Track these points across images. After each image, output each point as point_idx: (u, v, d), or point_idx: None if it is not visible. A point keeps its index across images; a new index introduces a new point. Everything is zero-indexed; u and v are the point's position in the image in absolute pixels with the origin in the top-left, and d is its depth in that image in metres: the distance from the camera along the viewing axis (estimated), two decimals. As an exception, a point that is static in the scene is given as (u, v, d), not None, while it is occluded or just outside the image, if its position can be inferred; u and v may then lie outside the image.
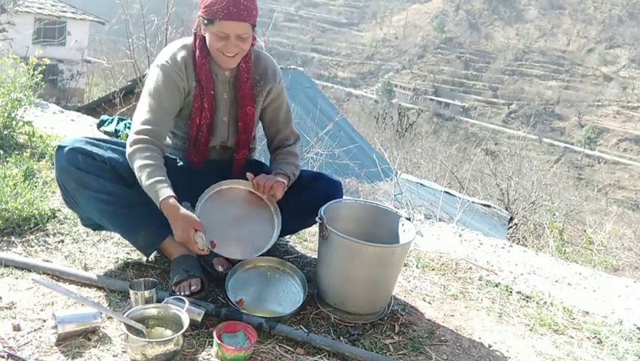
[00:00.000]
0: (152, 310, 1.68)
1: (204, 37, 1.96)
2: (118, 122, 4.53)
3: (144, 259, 2.11)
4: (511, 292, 2.47)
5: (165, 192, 1.81)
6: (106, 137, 4.12)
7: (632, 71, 73.54)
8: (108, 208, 1.90)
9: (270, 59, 2.15)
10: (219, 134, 2.09)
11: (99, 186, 1.87)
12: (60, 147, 1.90)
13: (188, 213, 1.83)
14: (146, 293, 1.73)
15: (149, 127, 1.90)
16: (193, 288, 1.87)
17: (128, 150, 1.90)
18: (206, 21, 1.88)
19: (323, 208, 1.98)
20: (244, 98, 2.05)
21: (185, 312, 1.65)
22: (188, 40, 2.02)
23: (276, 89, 2.14)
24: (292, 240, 2.56)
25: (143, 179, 1.83)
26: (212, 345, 1.66)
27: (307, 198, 2.09)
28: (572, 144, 62.76)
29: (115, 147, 1.97)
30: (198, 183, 2.03)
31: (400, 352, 1.83)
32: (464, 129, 59.35)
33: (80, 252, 2.12)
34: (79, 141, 1.92)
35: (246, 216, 2.07)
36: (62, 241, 2.18)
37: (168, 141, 2.13)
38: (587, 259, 6.18)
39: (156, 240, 1.98)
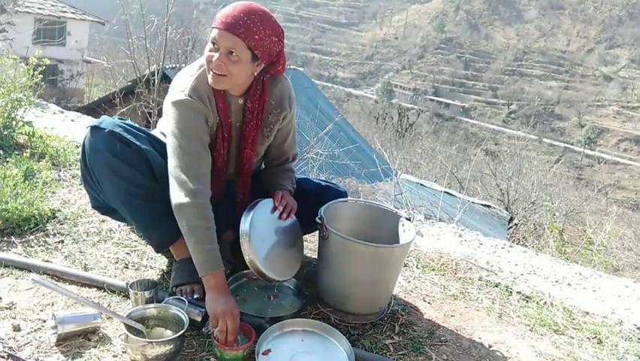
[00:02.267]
0: (152, 310, 1.68)
1: None
2: (118, 123, 4.52)
3: (144, 259, 2.11)
4: (511, 292, 2.47)
5: (219, 266, 1.72)
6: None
7: (632, 71, 73.56)
8: (134, 200, 1.86)
9: (287, 81, 2.03)
10: (233, 161, 2.03)
11: (131, 176, 1.83)
12: (97, 128, 1.84)
13: (234, 303, 1.71)
14: (146, 293, 1.73)
15: (197, 172, 1.77)
16: (195, 296, 1.86)
17: (180, 199, 1.74)
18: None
19: (323, 208, 1.98)
20: (245, 140, 1.96)
21: (185, 312, 1.65)
22: (202, 64, 1.86)
23: (289, 115, 2.05)
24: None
25: (198, 240, 1.72)
26: (211, 345, 1.66)
27: (315, 208, 2.04)
28: (572, 144, 62.75)
29: (149, 138, 1.92)
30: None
31: (400, 352, 1.83)
32: (464, 129, 59.40)
33: (80, 252, 2.12)
34: (117, 125, 1.85)
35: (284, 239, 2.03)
36: (62, 242, 2.18)
37: None
38: (587, 259, 6.19)
39: (171, 239, 1.94)
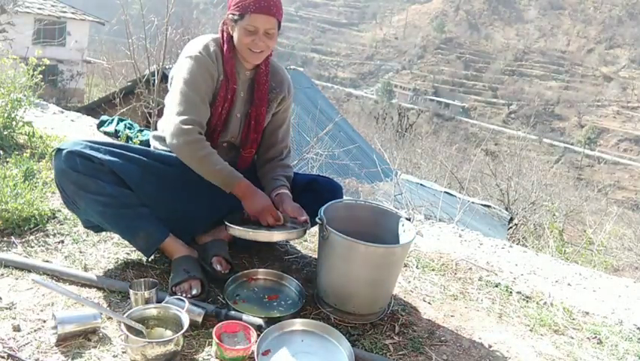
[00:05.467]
0: (152, 310, 1.68)
1: (231, 37, 2.04)
2: (118, 123, 4.53)
3: (144, 259, 2.11)
4: (511, 292, 2.47)
5: (239, 175, 1.95)
6: (107, 138, 4.13)
7: (632, 71, 73.53)
8: (107, 210, 1.90)
9: (287, 73, 2.26)
10: (231, 129, 2.13)
11: (98, 188, 1.87)
12: (58, 150, 1.90)
13: (266, 197, 2.00)
14: (146, 294, 1.73)
15: (193, 117, 1.93)
16: (194, 292, 1.88)
17: (175, 140, 1.92)
18: (236, 16, 1.97)
19: (323, 209, 1.98)
20: (260, 98, 2.13)
21: (185, 312, 1.65)
22: (215, 35, 2.09)
23: (287, 101, 2.24)
24: (292, 240, 2.56)
25: (209, 167, 1.92)
26: (212, 345, 1.66)
27: (307, 201, 2.09)
28: (572, 144, 62.74)
29: (114, 149, 1.95)
30: (200, 182, 2.02)
31: (400, 352, 1.83)
32: (464, 130, 59.36)
33: (80, 252, 2.12)
34: (77, 144, 1.91)
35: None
36: (62, 242, 2.18)
37: None
38: (587, 259, 6.18)
39: (156, 240, 1.98)
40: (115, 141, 2.13)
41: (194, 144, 1.92)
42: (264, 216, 1.96)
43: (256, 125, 2.15)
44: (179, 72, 1.99)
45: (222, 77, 2.04)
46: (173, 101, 1.97)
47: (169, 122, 1.95)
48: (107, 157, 1.90)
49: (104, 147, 1.94)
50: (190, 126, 1.91)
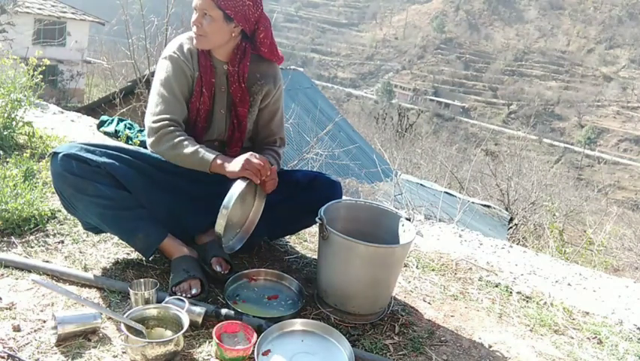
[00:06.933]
0: (152, 310, 1.68)
1: None
2: (118, 123, 4.53)
3: (144, 259, 2.11)
4: (511, 292, 2.47)
5: (212, 153, 1.90)
6: (106, 138, 4.13)
7: (632, 71, 73.55)
8: (106, 212, 1.90)
9: (277, 66, 2.21)
10: (217, 126, 2.11)
11: (95, 190, 1.86)
12: (54, 154, 1.90)
13: (241, 156, 1.88)
14: (146, 294, 1.74)
15: (167, 115, 1.96)
16: (193, 291, 1.89)
17: (150, 140, 1.96)
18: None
19: (323, 209, 1.98)
20: (234, 98, 2.09)
21: (185, 312, 1.65)
22: (191, 33, 2.08)
23: (274, 93, 2.17)
24: (292, 240, 2.57)
25: (181, 153, 1.91)
26: (212, 345, 1.66)
27: (307, 198, 2.10)
28: (572, 144, 62.74)
29: (110, 151, 1.95)
30: (197, 181, 2.02)
31: (400, 352, 1.83)
32: (464, 130, 59.38)
33: (80, 252, 2.12)
34: (73, 147, 1.91)
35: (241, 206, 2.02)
36: (62, 242, 2.18)
37: None
38: (587, 259, 6.19)
39: (155, 241, 1.98)
40: (110, 143, 2.12)
41: (164, 137, 1.94)
42: (250, 170, 1.85)
43: (238, 124, 2.12)
44: (157, 74, 2.04)
45: (197, 74, 2.04)
46: (149, 104, 2.02)
47: (145, 125, 2.00)
48: (103, 159, 1.90)
49: (99, 150, 1.93)
50: (160, 123, 1.95)
